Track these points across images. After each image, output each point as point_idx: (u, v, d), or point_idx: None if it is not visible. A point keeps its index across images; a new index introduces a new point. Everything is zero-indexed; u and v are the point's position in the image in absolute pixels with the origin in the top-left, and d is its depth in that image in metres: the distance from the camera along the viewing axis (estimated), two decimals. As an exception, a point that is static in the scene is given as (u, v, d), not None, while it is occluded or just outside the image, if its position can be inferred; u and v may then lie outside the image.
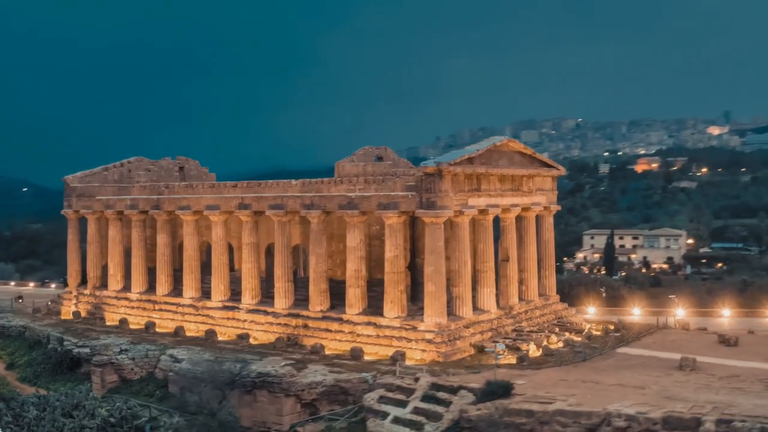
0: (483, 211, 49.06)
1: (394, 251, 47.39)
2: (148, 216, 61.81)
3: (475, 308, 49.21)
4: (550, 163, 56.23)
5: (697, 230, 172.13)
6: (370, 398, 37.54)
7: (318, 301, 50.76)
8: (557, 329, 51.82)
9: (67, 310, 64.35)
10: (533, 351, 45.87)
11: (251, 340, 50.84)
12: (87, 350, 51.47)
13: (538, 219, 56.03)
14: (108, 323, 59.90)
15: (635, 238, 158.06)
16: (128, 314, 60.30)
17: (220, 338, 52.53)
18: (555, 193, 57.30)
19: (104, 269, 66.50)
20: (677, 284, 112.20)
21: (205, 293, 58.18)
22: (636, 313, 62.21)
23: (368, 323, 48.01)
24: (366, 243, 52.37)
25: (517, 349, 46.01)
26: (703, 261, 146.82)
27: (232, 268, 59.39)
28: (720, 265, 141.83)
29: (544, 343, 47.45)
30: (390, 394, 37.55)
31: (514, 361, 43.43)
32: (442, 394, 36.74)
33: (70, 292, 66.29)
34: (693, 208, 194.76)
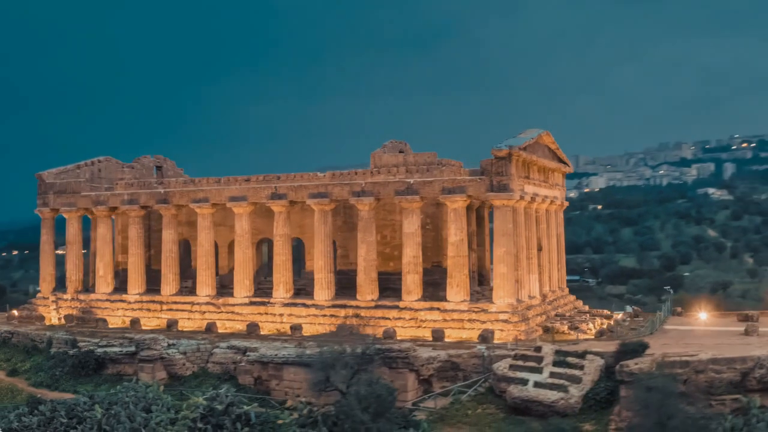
0: (531, 199, 50.81)
1: (459, 235, 47.88)
2: (145, 212, 57.97)
3: (523, 294, 50.60)
4: (566, 159, 59.24)
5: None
6: (502, 367, 37.67)
7: (369, 290, 49.91)
8: (587, 315, 54.26)
9: (49, 316, 58.30)
10: (590, 330, 47.82)
11: (303, 332, 48.92)
12: (116, 349, 47.16)
13: (555, 213, 58.68)
14: (112, 326, 55.08)
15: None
16: (131, 316, 55.77)
17: (262, 332, 50.03)
18: (565, 189, 60.39)
19: (86, 271, 61.34)
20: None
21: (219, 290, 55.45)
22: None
23: (431, 308, 47.90)
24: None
25: (577, 328, 47.82)
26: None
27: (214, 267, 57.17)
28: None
29: (590, 325, 49.61)
30: (520, 363, 37.88)
31: (592, 336, 45.18)
32: (571, 359, 37.66)
33: (46, 298, 60.17)
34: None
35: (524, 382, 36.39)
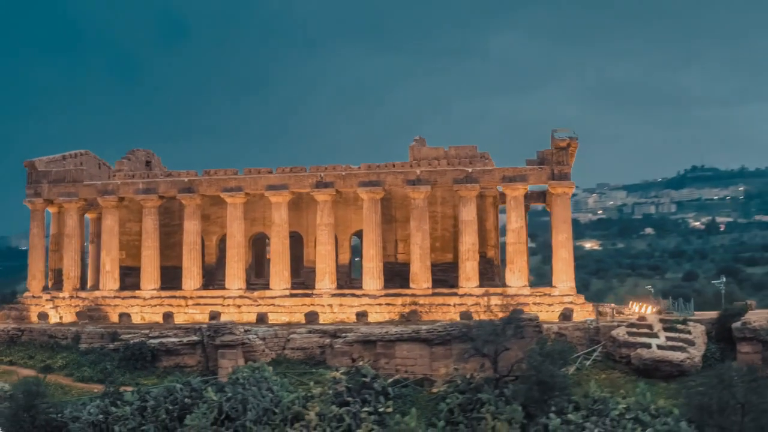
0: (567, 192, 53.53)
1: (519, 222, 49.54)
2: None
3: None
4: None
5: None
6: (621, 334, 39.46)
7: (424, 279, 50.05)
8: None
9: (49, 315, 52.58)
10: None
11: (370, 319, 48.00)
12: (174, 339, 43.99)
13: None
14: (136, 321, 50.76)
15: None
16: (149, 313, 51.82)
17: (321, 321, 48.42)
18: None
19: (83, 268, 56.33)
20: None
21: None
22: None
23: (493, 294, 48.83)
24: (453, 224, 53.63)
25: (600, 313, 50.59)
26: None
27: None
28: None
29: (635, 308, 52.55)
30: (634, 330, 39.87)
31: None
32: (678, 326, 40.27)
33: (38, 297, 54.29)
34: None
35: (648, 345, 38.40)
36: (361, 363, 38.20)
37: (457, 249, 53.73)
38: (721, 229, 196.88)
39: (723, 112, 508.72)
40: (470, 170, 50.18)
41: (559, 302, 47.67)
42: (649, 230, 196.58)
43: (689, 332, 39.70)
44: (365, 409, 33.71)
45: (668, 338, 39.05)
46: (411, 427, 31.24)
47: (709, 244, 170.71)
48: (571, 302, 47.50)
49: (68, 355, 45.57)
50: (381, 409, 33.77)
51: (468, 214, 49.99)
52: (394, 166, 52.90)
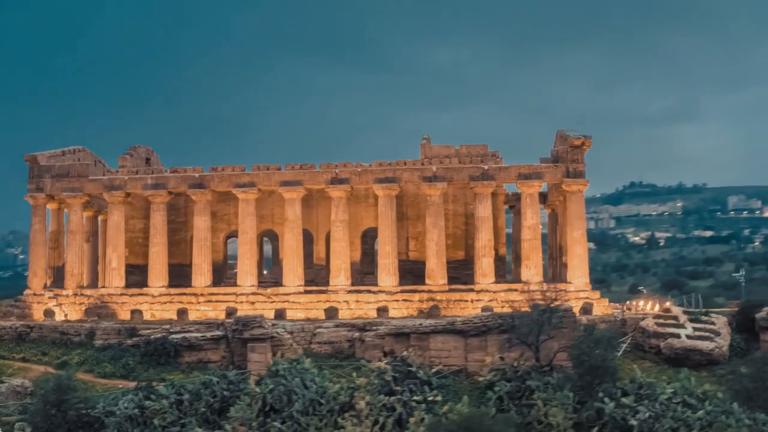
0: (576, 191, 54.53)
1: (534, 219, 50.25)
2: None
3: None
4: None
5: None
6: (649, 325, 40.34)
7: (440, 275, 50.32)
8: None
9: (55, 312, 51.06)
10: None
11: (390, 314, 47.95)
12: (197, 335, 43.24)
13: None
14: (147, 318, 49.68)
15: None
16: (159, 310, 50.83)
17: (341, 316, 48.18)
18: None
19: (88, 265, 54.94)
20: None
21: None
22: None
23: (509, 289, 49.39)
24: (463, 222, 54.21)
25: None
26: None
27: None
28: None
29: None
30: (662, 321, 40.81)
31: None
32: (702, 318, 41.37)
33: (40, 294, 52.66)
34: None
35: (677, 336, 39.36)
36: (394, 356, 38.11)
37: (468, 247, 54.42)
38: (661, 244, 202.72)
39: (660, 130, 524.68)
40: (486, 167, 50.74)
41: (575, 297, 48.33)
42: (590, 245, 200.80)
43: (713, 323, 40.85)
44: (415, 397, 33.69)
45: (695, 329, 40.10)
46: (466, 414, 31.30)
47: (650, 259, 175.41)
48: (587, 297, 48.31)
49: (83, 351, 44.27)
50: (430, 398, 33.79)
51: (484, 210, 50.50)
52: (405, 163, 53.25)
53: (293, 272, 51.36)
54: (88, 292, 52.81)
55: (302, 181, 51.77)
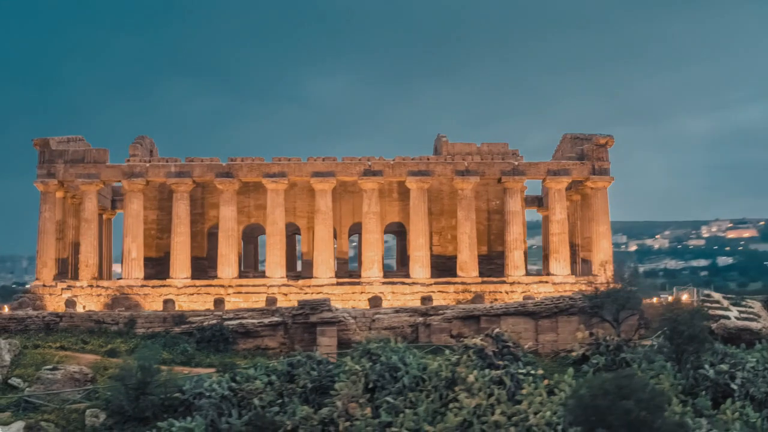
0: (589, 190, 57.02)
1: (563, 213, 52.15)
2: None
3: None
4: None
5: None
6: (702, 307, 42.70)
7: (472, 267, 51.23)
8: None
9: (74, 302, 48.06)
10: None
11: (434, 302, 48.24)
12: (254, 321, 42.16)
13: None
14: (178, 308, 47.63)
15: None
16: (185, 302, 48.99)
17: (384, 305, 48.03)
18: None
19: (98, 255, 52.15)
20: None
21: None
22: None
23: (541, 282, 50.96)
24: (486, 218, 55.51)
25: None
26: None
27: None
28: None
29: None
30: (708, 304, 43.34)
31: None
32: (742, 302, 44.30)
33: (51, 285, 49.48)
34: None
35: (727, 317, 41.94)
36: (488, 334, 38.49)
37: (490, 242, 55.73)
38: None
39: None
40: (516, 163, 52.32)
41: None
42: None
43: (751, 307, 43.81)
44: (520, 370, 34.26)
45: (739, 311, 42.87)
46: (572, 384, 32.20)
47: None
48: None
49: (126, 340, 41.98)
50: (533, 372, 34.45)
51: (515, 204, 51.96)
52: (428, 159, 53.90)
53: (325, 264, 50.79)
54: (105, 283, 50.16)
55: (334, 172, 51.52)
